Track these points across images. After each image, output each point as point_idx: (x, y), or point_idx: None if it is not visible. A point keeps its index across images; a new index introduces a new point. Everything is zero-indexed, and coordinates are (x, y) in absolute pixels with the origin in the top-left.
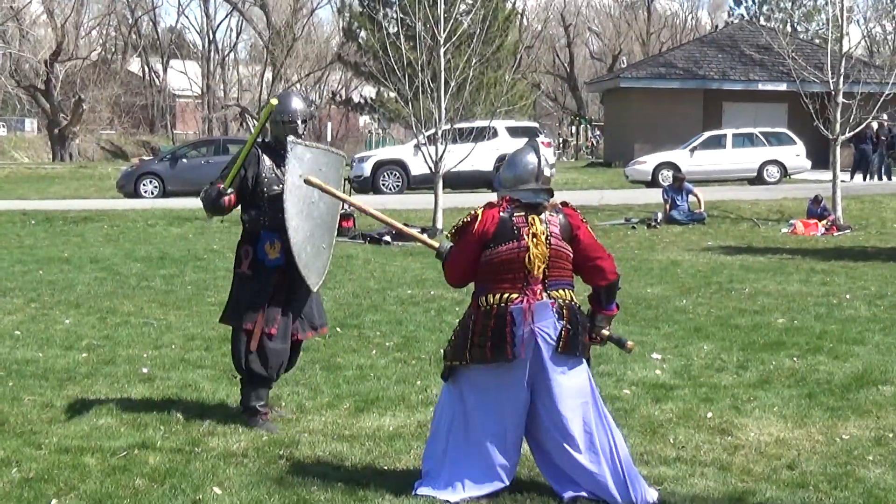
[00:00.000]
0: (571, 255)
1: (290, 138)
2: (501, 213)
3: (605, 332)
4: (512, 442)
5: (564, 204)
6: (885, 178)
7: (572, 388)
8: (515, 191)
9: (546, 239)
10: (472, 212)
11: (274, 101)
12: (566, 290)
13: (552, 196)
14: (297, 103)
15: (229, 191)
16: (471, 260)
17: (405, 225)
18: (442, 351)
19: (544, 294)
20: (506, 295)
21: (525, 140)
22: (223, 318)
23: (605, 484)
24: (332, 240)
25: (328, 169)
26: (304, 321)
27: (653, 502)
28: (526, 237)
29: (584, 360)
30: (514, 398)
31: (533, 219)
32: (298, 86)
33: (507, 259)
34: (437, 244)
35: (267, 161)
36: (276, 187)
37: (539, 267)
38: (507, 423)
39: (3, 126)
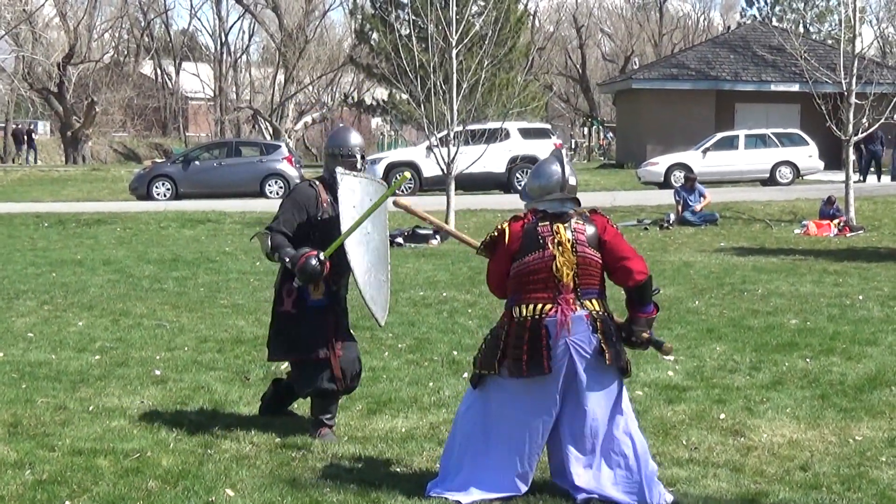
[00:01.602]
0: (600, 263)
1: (339, 169)
2: (526, 225)
3: (645, 335)
4: (533, 452)
5: (593, 211)
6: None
7: (602, 398)
8: (541, 201)
9: (572, 247)
10: (499, 226)
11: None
12: (598, 301)
13: (579, 204)
14: (355, 138)
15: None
16: (504, 272)
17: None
18: (472, 358)
19: (577, 305)
20: (539, 306)
21: (548, 148)
22: (275, 355)
23: (621, 489)
24: (388, 273)
25: (375, 197)
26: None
27: None
28: (551, 246)
29: (616, 371)
30: (544, 410)
31: (558, 227)
32: (310, 88)
33: (534, 269)
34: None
35: (326, 199)
36: (336, 229)
37: (568, 275)
38: (531, 434)
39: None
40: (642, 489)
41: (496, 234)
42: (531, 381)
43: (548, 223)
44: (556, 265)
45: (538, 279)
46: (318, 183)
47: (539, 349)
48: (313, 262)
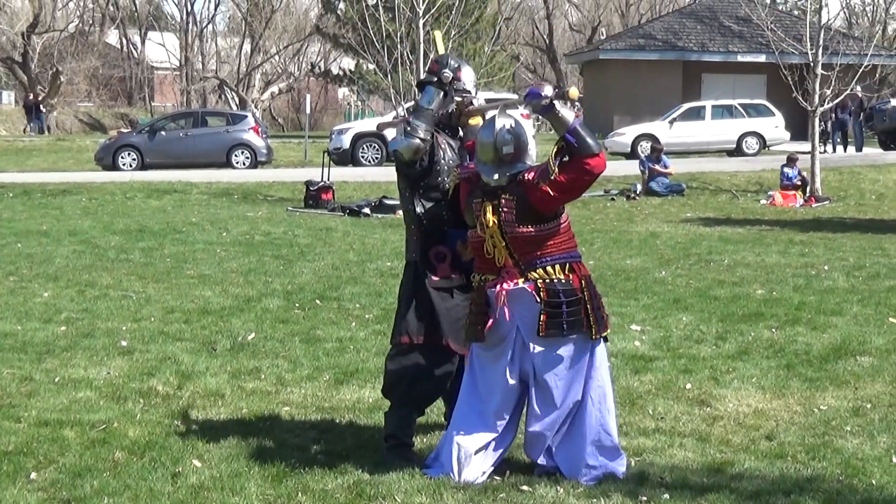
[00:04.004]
0: (539, 234)
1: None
2: (468, 193)
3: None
4: (499, 414)
5: (521, 183)
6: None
7: (557, 368)
8: (478, 165)
9: (500, 229)
10: (452, 183)
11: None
12: (552, 267)
13: (519, 174)
14: (467, 72)
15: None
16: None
17: (385, 198)
18: None
19: (521, 279)
20: (483, 276)
21: (517, 118)
22: (402, 336)
23: (564, 460)
24: None
25: None
26: None
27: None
28: (479, 228)
29: (580, 339)
30: (500, 376)
31: (486, 207)
32: (277, 58)
33: (476, 244)
34: None
35: (444, 143)
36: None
37: (500, 255)
38: (495, 400)
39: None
40: (580, 463)
41: (455, 181)
42: (488, 347)
43: (479, 199)
44: (487, 248)
45: (480, 253)
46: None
47: (482, 316)
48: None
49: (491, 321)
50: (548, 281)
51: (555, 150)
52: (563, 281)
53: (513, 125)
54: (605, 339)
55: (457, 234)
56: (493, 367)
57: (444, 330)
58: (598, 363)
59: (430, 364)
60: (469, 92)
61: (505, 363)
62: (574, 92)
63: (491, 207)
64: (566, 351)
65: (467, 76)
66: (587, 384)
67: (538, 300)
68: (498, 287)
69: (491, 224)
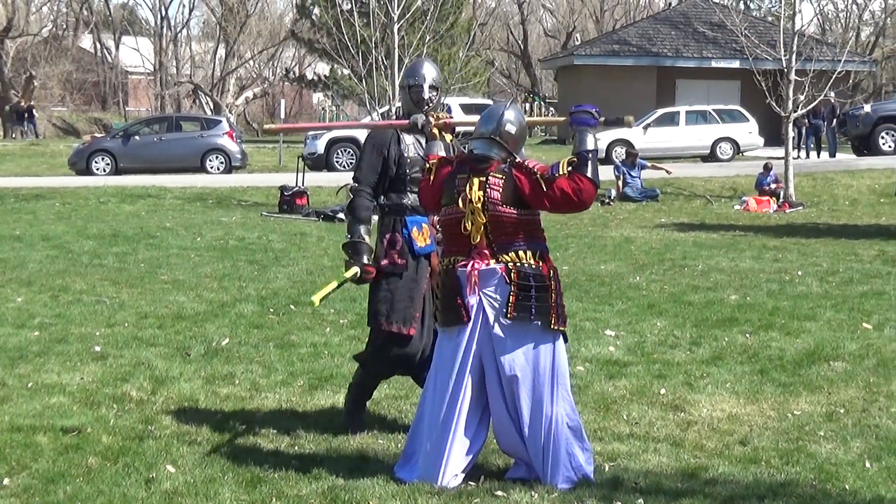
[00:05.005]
0: (520, 219)
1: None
2: (450, 172)
3: (601, 120)
4: (461, 406)
5: (518, 165)
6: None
7: (519, 354)
8: (473, 139)
9: (483, 206)
10: (430, 164)
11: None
12: (523, 252)
13: (510, 155)
14: (427, 69)
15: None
16: (433, 192)
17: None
18: None
19: (492, 260)
20: (454, 258)
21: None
22: (373, 321)
23: (535, 459)
24: None
25: None
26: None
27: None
28: (461, 203)
29: (542, 328)
30: (462, 363)
31: (472, 182)
32: (251, 63)
33: (451, 222)
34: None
35: (408, 139)
36: (419, 169)
37: (477, 234)
38: (458, 389)
39: None
40: (543, 465)
41: (428, 167)
42: (452, 334)
43: (465, 175)
44: (465, 224)
45: (454, 232)
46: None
47: (453, 298)
48: (355, 269)
49: (462, 303)
50: (518, 264)
51: (566, 160)
52: (534, 266)
53: (521, 114)
54: (565, 338)
55: (414, 221)
56: (452, 346)
57: (390, 313)
58: (560, 359)
59: (386, 347)
60: (444, 107)
61: (463, 339)
62: (631, 120)
63: (478, 183)
64: (529, 337)
65: (428, 73)
66: (553, 382)
67: (508, 281)
68: (469, 267)
69: (476, 199)
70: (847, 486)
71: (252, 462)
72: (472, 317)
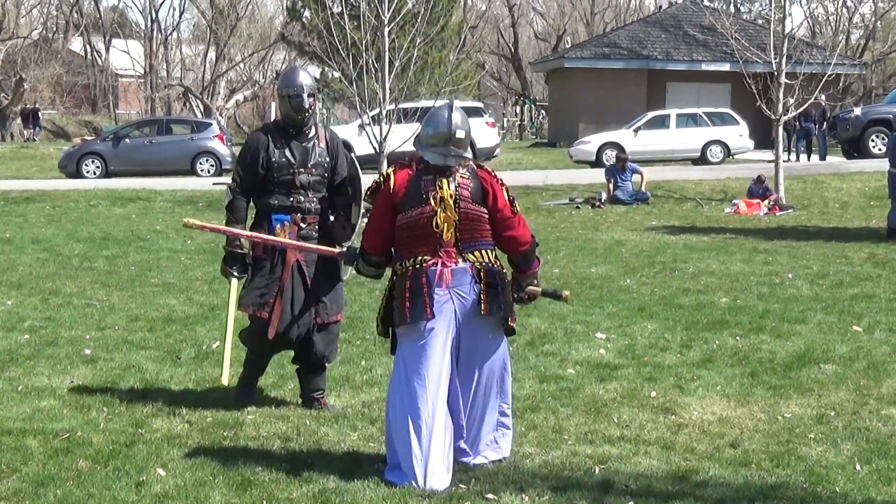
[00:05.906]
0: (486, 216)
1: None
2: (411, 176)
3: (534, 288)
4: (438, 403)
5: (480, 167)
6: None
7: (483, 350)
8: (426, 150)
9: (455, 202)
10: (385, 173)
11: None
12: (485, 252)
13: (467, 160)
14: (302, 77)
15: None
16: (386, 224)
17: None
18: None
19: (459, 258)
20: (420, 258)
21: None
22: (241, 305)
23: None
24: None
25: None
26: (325, 305)
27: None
28: (433, 201)
29: (502, 328)
30: (436, 357)
31: (442, 181)
32: (242, 66)
33: (416, 223)
34: (337, 250)
35: (275, 145)
36: (286, 173)
37: (448, 231)
38: (432, 387)
39: None
40: (473, 443)
41: (381, 179)
42: (422, 333)
43: (431, 176)
44: (437, 221)
45: (420, 234)
46: (271, 126)
47: (421, 295)
48: (230, 269)
49: (430, 300)
50: (485, 263)
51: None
52: (495, 266)
53: (464, 115)
54: (514, 332)
55: (278, 219)
56: (432, 347)
57: (249, 298)
58: (507, 352)
59: (250, 328)
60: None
61: (444, 339)
62: (567, 295)
63: (446, 182)
64: (491, 333)
65: (305, 82)
66: (504, 373)
67: (478, 280)
68: (439, 266)
69: (447, 196)
70: (837, 489)
71: (242, 465)
72: (442, 314)
